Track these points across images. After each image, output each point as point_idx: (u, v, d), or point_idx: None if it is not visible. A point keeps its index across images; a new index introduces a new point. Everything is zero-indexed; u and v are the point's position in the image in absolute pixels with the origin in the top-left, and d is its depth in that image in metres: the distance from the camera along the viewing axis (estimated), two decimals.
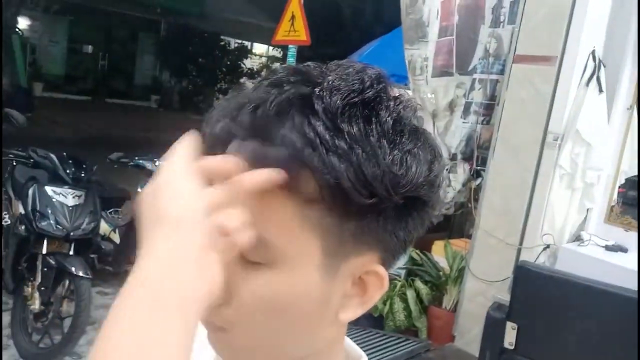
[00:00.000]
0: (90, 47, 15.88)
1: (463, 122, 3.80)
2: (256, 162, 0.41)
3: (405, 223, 0.45)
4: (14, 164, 3.48)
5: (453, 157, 3.88)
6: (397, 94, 0.45)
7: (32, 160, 3.28)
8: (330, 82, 0.42)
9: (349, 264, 0.45)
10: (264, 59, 17.79)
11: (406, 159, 0.42)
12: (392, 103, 0.44)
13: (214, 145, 0.43)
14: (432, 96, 3.86)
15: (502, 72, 3.50)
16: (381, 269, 0.46)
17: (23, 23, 13.11)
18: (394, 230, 0.44)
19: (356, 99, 0.42)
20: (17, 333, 3.04)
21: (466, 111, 3.78)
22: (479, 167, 3.73)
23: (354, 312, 0.47)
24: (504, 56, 3.51)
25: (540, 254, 2.90)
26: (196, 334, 0.39)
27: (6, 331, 3.16)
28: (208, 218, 0.39)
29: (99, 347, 0.35)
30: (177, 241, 0.38)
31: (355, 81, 0.43)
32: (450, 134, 3.84)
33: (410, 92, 4.04)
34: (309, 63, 0.46)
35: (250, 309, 0.44)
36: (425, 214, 0.46)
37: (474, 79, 3.74)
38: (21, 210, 3.12)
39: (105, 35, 16.02)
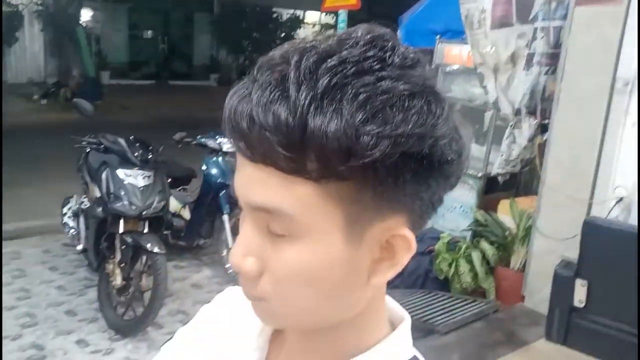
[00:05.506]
0: (150, 32, 16.39)
1: (526, 75, 3.61)
2: (265, 145, 0.41)
3: (427, 184, 0.44)
4: (87, 150, 3.68)
5: (517, 112, 3.72)
6: (387, 52, 0.43)
7: (103, 146, 3.43)
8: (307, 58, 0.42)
9: (373, 230, 0.45)
10: (317, 27, 17.62)
11: (378, 114, 0.40)
12: (371, 61, 0.42)
13: (232, 130, 0.44)
14: (492, 49, 3.69)
15: (566, 17, 3.28)
16: (407, 232, 0.46)
17: (86, 15, 13.68)
18: (417, 192, 0.44)
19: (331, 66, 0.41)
20: (104, 307, 3.29)
21: (529, 63, 3.59)
22: (546, 121, 3.56)
23: (385, 275, 0.47)
24: (567, 0, 3.28)
25: (612, 207, 2.76)
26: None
27: (94, 305, 3.43)
28: None
29: None
30: None
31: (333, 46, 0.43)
32: (513, 88, 3.67)
33: (468, 47, 3.88)
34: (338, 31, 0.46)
35: (283, 279, 0.46)
36: (445, 171, 0.44)
37: (535, 28, 3.53)
38: (97, 193, 3.32)
39: (163, 20, 16.45)
